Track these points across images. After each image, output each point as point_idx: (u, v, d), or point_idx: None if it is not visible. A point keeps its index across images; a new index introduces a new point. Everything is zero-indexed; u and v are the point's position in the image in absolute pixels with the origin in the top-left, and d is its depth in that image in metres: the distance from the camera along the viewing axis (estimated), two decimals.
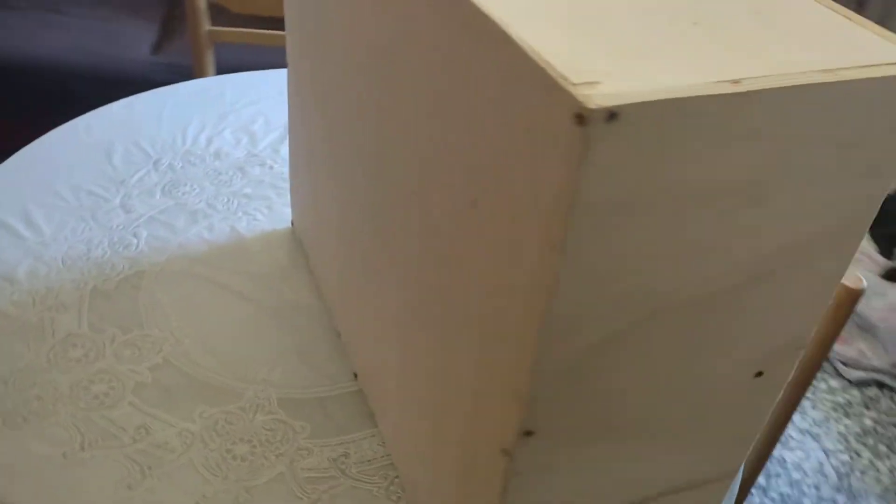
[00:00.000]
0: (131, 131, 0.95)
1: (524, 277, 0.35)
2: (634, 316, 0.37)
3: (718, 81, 0.31)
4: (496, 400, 0.41)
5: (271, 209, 0.86)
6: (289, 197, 0.88)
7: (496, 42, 0.34)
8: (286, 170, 0.92)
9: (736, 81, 0.31)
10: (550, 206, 0.32)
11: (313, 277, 0.77)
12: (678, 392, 0.43)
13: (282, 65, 1.59)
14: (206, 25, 1.26)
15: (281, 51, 1.54)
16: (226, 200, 0.86)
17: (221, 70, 1.33)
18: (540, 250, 0.33)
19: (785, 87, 0.32)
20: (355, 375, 0.68)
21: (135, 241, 0.79)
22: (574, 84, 0.30)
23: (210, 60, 1.30)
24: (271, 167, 0.93)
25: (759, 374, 0.46)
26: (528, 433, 0.40)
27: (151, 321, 0.71)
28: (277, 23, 1.87)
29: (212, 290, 0.75)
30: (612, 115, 0.29)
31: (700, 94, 0.30)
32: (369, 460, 0.62)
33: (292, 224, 0.84)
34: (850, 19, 0.38)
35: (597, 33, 0.34)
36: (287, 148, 0.96)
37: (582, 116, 0.29)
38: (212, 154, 0.94)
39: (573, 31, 0.34)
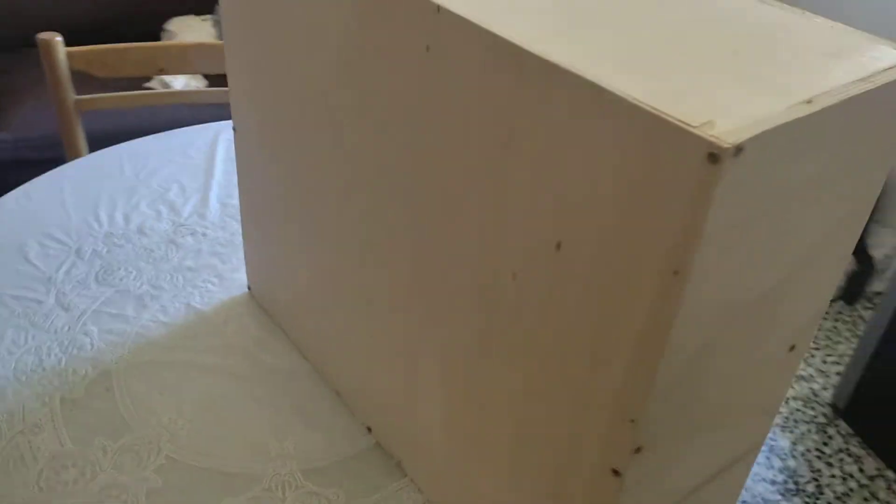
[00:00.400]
0: (38, 223, 0.88)
1: (640, 307, 0.37)
2: (729, 317, 0.40)
3: (797, 104, 0.35)
4: (602, 423, 0.43)
5: (221, 277, 0.83)
6: (234, 262, 0.85)
7: (583, 92, 0.36)
8: (221, 234, 0.89)
9: (809, 101, 0.35)
10: (674, 237, 0.34)
11: (289, 339, 0.75)
12: (740, 378, 0.47)
13: (157, 125, 1.52)
14: (73, 95, 1.18)
15: (147, 111, 1.47)
16: (169, 278, 0.82)
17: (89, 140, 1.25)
18: (661, 279, 0.36)
19: (843, 100, 0.36)
20: (369, 429, 0.68)
21: (87, 339, 0.74)
22: (696, 126, 0.32)
23: (80, 131, 1.21)
24: (204, 234, 0.89)
25: (792, 347, 0.51)
26: (638, 450, 0.42)
27: (138, 421, 0.66)
28: (138, 82, 1.77)
29: (189, 374, 0.71)
30: (739, 149, 0.32)
31: (791, 117, 0.34)
32: None
33: (249, 288, 0.81)
34: (844, 30, 0.43)
35: (663, 72, 0.37)
36: (213, 212, 0.92)
37: (715, 155, 0.31)
38: (135, 231, 0.88)
39: (641, 72, 0.36)
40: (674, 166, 0.33)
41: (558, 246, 0.41)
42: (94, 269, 0.82)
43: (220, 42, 1.23)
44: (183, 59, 1.22)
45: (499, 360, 0.49)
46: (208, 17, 2.05)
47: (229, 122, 1.12)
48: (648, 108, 0.33)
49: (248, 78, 0.66)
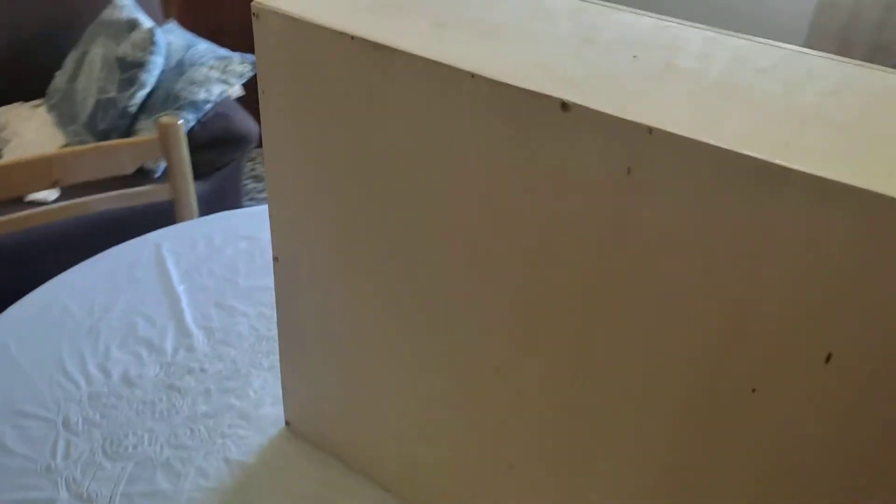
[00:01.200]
0: (1, 400, 0.73)
1: None
2: None
3: None
4: None
5: (246, 418, 0.73)
6: (251, 395, 0.76)
7: (873, 207, 0.35)
8: (221, 366, 0.79)
9: None
10: None
11: (360, 473, 0.68)
12: None
13: (56, 240, 1.34)
14: None
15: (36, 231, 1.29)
16: (189, 432, 0.71)
17: None
18: None
19: None
20: None
21: None
22: None
23: None
24: (202, 370, 0.78)
25: None
26: None
27: None
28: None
29: None
30: None
31: None
32: None
33: (287, 423, 0.72)
34: None
35: (845, 153, 0.37)
36: (200, 342, 0.82)
37: None
38: (122, 384, 0.76)
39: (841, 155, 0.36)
40: None
41: (828, 358, 0.39)
42: (96, 443, 0.69)
43: (126, 140, 1.10)
44: (81, 166, 1.08)
45: (717, 485, 0.46)
46: (39, 101, 1.84)
47: (164, 232, 1.00)
48: None
49: (305, 203, 0.58)
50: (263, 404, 0.75)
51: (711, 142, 0.38)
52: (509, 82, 0.44)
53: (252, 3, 0.52)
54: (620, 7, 0.56)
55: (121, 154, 1.09)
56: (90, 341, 0.81)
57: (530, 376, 0.52)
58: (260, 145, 2.55)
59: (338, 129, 0.53)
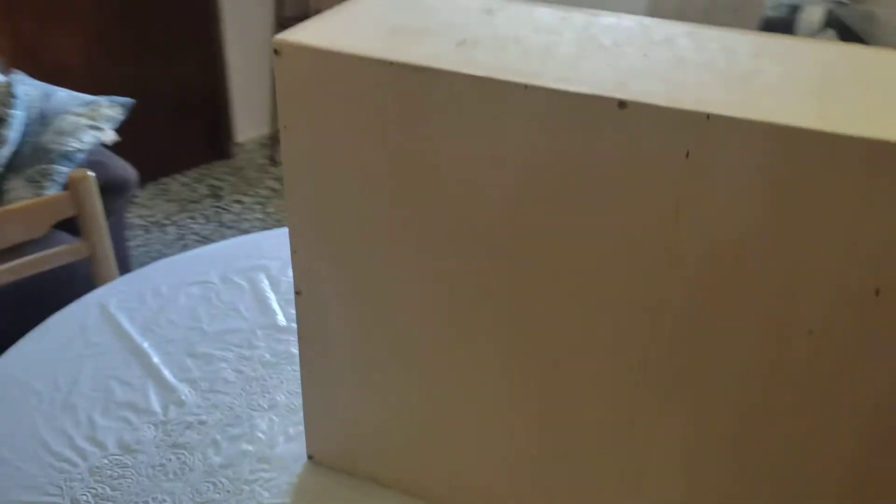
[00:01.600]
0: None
1: None
2: None
3: None
4: None
5: (266, 461, 0.72)
6: (262, 437, 0.74)
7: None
8: (220, 415, 0.76)
9: None
10: None
11: (401, 490, 0.69)
12: None
13: None
14: None
15: None
16: (212, 487, 0.69)
17: None
18: None
19: None
20: None
21: None
22: None
23: None
24: (202, 422, 0.75)
25: None
26: None
27: None
28: None
29: None
30: None
31: None
32: None
33: (310, 457, 0.72)
34: None
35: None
36: (188, 395, 0.79)
37: None
38: (121, 452, 0.72)
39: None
40: None
41: (877, 292, 0.46)
42: None
43: (35, 200, 1.02)
44: None
45: (778, 436, 0.52)
46: None
47: (105, 290, 0.94)
48: None
49: (332, 235, 0.58)
50: (277, 443, 0.74)
51: (768, 120, 0.44)
52: (564, 89, 0.47)
53: (273, 40, 0.52)
54: (597, 11, 0.61)
55: (32, 216, 1.02)
56: (69, 416, 0.75)
57: (581, 382, 0.55)
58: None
59: (372, 159, 0.54)
